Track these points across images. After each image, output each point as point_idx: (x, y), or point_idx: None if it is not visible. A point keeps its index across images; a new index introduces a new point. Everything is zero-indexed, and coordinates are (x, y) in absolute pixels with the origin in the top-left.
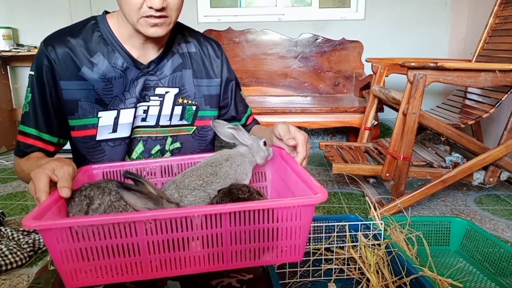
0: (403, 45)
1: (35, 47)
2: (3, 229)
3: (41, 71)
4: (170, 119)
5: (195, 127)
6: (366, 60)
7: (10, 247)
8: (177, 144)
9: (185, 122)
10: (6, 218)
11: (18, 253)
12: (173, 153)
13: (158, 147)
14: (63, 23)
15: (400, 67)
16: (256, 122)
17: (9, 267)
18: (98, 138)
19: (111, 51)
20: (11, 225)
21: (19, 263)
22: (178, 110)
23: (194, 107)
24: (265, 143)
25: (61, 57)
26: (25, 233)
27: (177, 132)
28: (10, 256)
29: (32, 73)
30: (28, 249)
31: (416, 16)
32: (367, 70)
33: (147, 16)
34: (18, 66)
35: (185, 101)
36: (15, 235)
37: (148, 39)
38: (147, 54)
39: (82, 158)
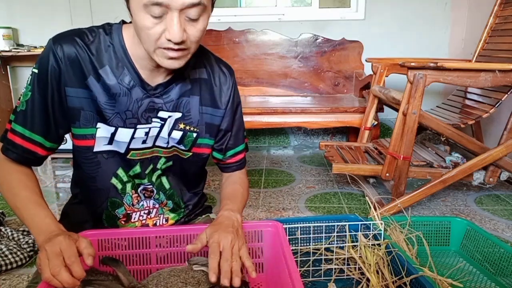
0: (403, 45)
1: (35, 47)
2: (3, 229)
3: (46, 71)
4: (168, 142)
5: (191, 154)
6: (366, 60)
7: (10, 247)
8: (169, 163)
9: (183, 148)
10: (6, 218)
11: (18, 253)
12: (164, 171)
13: (151, 167)
14: (63, 23)
15: (400, 67)
16: (240, 165)
17: (9, 267)
18: (95, 149)
19: (120, 66)
20: (11, 225)
21: (19, 263)
22: (177, 134)
23: (194, 134)
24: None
25: (70, 61)
26: (25, 233)
27: (171, 153)
28: (10, 256)
29: (36, 70)
30: (28, 249)
31: (416, 16)
32: (367, 70)
33: (165, 48)
34: (18, 66)
35: (187, 127)
36: (15, 235)
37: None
38: (157, 77)
39: (78, 167)
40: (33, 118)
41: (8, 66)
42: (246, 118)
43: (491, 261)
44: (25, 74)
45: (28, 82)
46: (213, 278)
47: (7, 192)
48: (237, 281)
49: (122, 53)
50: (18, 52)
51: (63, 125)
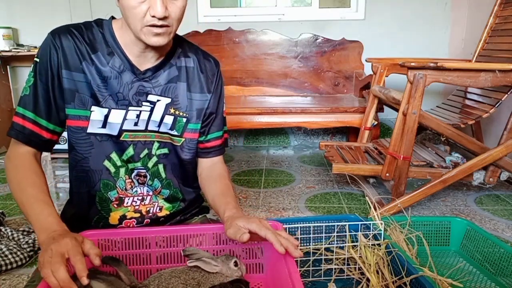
0: (403, 45)
1: (35, 47)
2: (3, 229)
3: (45, 58)
4: (159, 126)
5: (183, 139)
6: (366, 60)
7: (10, 247)
8: (165, 150)
9: (175, 133)
10: (6, 218)
11: (18, 253)
12: (160, 158)
13: (146, 151)
14: (63, 23)
15: (400, 67)
16: (220, 150)
17: (9, 267)
18: (88, 130)
19: (111, 52)
20: (11, 225)
21: (19, 263)
22: (169, 119)
23: (184, 119)
24: (236, 263)
25: (66, 47)
26: (25, 233)
27: (165, 139)
28: (10, 256)
29: (37, 59)
30: (28, 249)
31: (416, 16)
32: (367, 70)
33: (150, 26)
34: (18, 66)
35: (177, 112)
36: (15, 235)
37: (148, 47)
38: (145, 62)
39: (71, 148)
40: (36, 102)
41: (8, 66)
42: (246, 118)
43: (491, 261)
44: (25, 74)
45: (31, 70)
46: (282, 249)
47: (15, 188)
48: (297, 254)
49: (112, 41)
50: (18, 52)
51: (64, 109)
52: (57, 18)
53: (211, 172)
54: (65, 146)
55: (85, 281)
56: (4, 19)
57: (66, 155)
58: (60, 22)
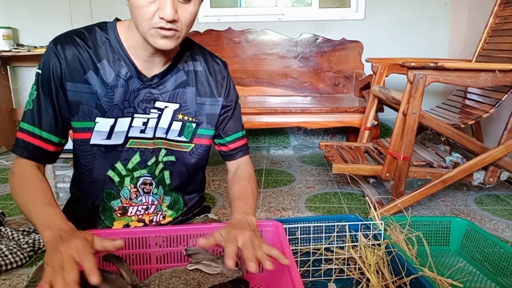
0: (403, 45)
1: (35, 47)
2: (3, 229)
3: (48, 70)
4: (166, 133)
5: (193, 145)
6: (366, 60)
7: (10, 247)
8: (172, 158)
9: (184, 139)
10: (6, 218)
11: (18, 253)
12: (167, 165)
13: (154, 159)
14: (63, 23)
15: (400, 67)
16: (243, 151)
17: (9, 267)
18: (91, 142)
19: (117, 59)
20: (11, 225)
21: (19, 263)
22: (176, 125)
23: (194, 124)
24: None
25: (69, 58)
26: (25, 233)
27: (172, 147)
28: (10, 256)
29: (39, 71)
30: (28, 249)
31: (416, 16)
32: (367, 70)
33: (158, 28)
34: (18, 66)
35: (186, 117)
36: (15, 235)
37: (155, 52)
38: (152, 68)
39: (76, 160)
40: (40, 116)
41: (8, 66)
42: (245, 118)
43: (491, 261)
44: (25, 74)
45: (34, 82)
46: (230, 263)
47: (19, 193)
48: (268, 265)
49: (118, 47)
50: (18, 52)
51: (69, 121)
52: (57, 18)
53: (235, 175)
54: (66, 146)
55: (95, 280)
56: (4, 19)
57: (66, 155)
58: (60, 22)
